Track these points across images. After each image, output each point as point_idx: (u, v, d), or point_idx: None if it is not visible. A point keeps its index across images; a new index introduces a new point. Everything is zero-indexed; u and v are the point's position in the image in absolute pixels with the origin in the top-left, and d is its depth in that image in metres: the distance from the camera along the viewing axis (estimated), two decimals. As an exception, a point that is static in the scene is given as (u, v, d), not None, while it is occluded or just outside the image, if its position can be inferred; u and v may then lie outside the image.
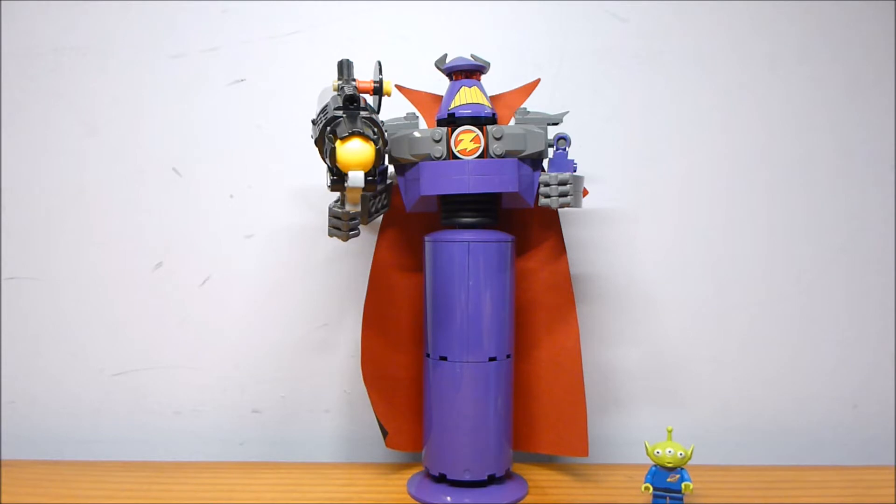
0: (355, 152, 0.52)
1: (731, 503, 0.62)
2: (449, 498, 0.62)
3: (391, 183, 0.66)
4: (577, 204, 0.62)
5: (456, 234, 0.62)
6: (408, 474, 0.68)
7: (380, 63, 0.59)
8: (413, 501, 0.63)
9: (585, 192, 0.66)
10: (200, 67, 0.75)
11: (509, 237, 0.63)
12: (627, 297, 0.75)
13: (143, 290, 0.76)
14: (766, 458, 0.75)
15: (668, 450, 0.57)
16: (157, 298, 0.76)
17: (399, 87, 0.66)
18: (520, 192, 0.61)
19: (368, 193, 0.60)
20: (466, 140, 0.61)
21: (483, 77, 0.65)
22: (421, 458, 0.66)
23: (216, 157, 0.76)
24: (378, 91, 0.58)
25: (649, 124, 0.75)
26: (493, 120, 0.62)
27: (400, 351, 0.69)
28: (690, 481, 0.57)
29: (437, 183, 0.61)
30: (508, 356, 0.63)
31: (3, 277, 0.77)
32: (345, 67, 0.56)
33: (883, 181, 0.75)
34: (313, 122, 0.56)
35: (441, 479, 0.63)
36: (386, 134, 0.56)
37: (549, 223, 0.67)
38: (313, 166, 0.61)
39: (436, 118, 0.64)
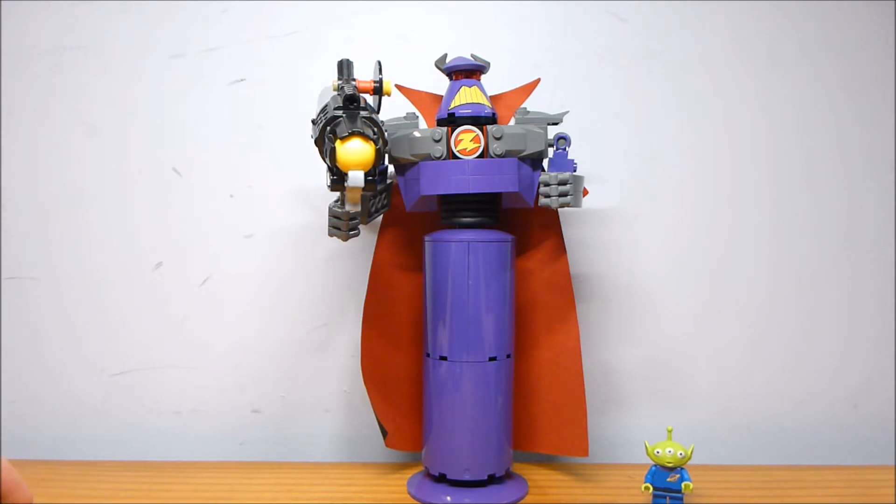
0: (355, 152, 0.52)
1: (731, 503, 0.62)
2: (449, 498, 0.62)
3: (391, 183, 0.66)
4: (577, 204, 0.62)
5: (456, 234, 0.62)
6: (408, 474, 0.68)
7: (380, 63, 0.59)
8: (413, 501, 0.63)
9: (585, 192, 0.66)
10: (200, 67, 0.75)
11: (509, 237, 0.63)
12: (627, 297, 0.75)
13: (143, 290, 0.76)
14: (766, 458, 0.75)
15: (668, 450, 0.57)
16: (157, 298, 0.76)
17: (399, 87, 0.66)
18: (520, 192, 0.61)
19: (368, 193, 0.60)
20: (466, 140, 0.61)
21: (483, 77, 0.65)
22: (421, 458, 0.66)
23: (216, 157, 0.76)
24: (378, 91, 0.58)
25: (649, 124, 0.75)
26: (493, 120, 0.62)
27: (400, 351, 0.69)
28: (690, 481, 0.57)
29: (436, 183, 0.61)
30: (508, 356, 0.63)
31: (3, 277, 0.77)
32: (345, 67, 0.56)
33: (883, 181, 0.75)
34: (313, 122, 0.56)
35: (441, 478, 0.63)
36: (386, 134, 0.56)
37: (549, 223, 0.67)
38: (313, 166, 0.61)
39: (436, 118, 0.64)
